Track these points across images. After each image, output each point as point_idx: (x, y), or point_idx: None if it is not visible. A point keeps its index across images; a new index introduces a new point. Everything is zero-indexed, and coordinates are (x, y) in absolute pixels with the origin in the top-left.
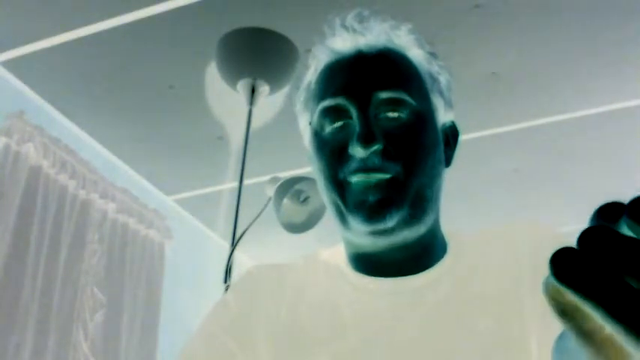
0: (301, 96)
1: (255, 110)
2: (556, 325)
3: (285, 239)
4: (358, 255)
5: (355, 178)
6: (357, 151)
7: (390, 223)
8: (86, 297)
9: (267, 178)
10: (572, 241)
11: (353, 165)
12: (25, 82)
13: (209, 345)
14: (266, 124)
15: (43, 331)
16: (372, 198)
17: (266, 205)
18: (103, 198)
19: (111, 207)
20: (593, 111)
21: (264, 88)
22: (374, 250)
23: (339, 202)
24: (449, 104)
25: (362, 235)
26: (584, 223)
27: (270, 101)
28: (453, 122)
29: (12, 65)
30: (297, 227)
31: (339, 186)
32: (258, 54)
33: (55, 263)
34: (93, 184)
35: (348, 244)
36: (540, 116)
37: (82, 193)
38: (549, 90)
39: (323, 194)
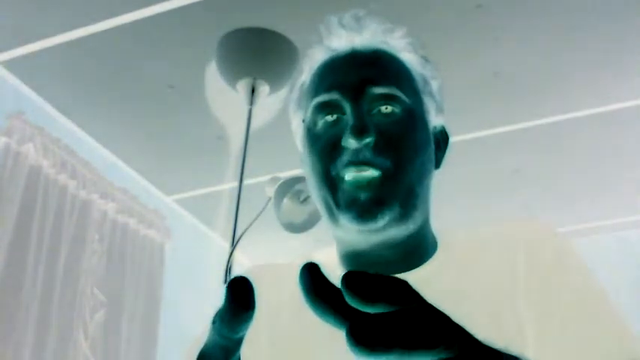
0: (295, 96)
1: (255, 110)
2: (552, 326)
3: (285, 239)
4: (348, 253)
5: (347, 175)
6: (350, 143)
7: (382, 222)
8: (86, 297)
9: (267, 178)
10: (569, 241)
11: (345, 158)
12: (25, 82)
13: None
14: (266, 124)
15: (43, 331)
16: (363, 196)
17: (266, 205)
18: (103, 198)
19: (111, 207)
20: (593, 111)
21: (264, 88)
22: (364, 247)
23: (330, 200)
24: (440, 108)
25: (352, 233)
26: (584, 223)
27: (270, 101)
28: (443, 127)
29: (12, 65)
30: (297, 227)
31: (330, 183)
32: (258, 54)
33: (55, 263)
34: (93, 184)
35: (339, 242)
36: (540, 116)
37: (82, 193)
38: (550, 90)
39: (313, 191)
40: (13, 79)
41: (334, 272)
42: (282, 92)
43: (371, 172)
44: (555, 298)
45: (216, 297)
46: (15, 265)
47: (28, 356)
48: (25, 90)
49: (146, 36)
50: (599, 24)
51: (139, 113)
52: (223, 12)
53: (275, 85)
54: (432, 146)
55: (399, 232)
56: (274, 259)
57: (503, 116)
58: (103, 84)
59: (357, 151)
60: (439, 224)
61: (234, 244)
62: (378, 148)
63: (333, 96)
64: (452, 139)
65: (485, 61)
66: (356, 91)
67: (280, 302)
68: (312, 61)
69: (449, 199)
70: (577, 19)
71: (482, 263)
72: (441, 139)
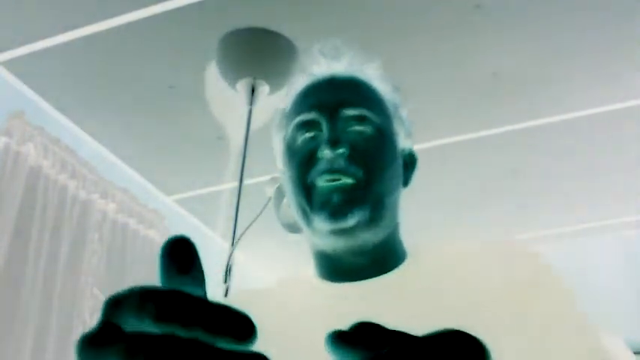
0: (277, 119)
1: (255, 110)
2: (521, 344)
3: (285, 239)
4: (322, 259)
5: (321, 182)
6: (325, 154)
7: (352, 221)
8: (86, 297)
9: (267, 178)
10: (548, 261)
11: (320, 167)
12: (25, 82)
13: None
14: (266, 124)
15: (43, 331)
16: (335, 199)
17: (266, 205)
18: (103, 198)
19: (111, 207)
20: (592, 111)
21: (263, 88)
22: (335, 252)
23: (305, 205)
24: (408, 132)
25: (324, 235)
26: (583, 223)
27: (270, 101)
28: (411, 149)
29: (12, 65)
30: (297, 227)
31: (306, 189)
32: (258, 54)
33: (55, 263)
34: (93, 184)
35: (314, 249)
36: (540, 116)
37: (82, 194)
38: (549, 90)
39: (291, 200)
40: (13, 79)
41: (310, 282)
42: (282, 92)
43: (344, 180)
44: (528, 320)
45: (215, 297)
46: (15, 265)
47: (28, 356)
48: (25, 90)
49: (146, 36)
50: (599, 24)
51: (139, 113)
52: (223, 12)
53: (275, 85)
54: (400, 164)
55: (367, 237)
56: (274, 259)
57: (502, 116)
58: (103, 84)
59: (331, 160)
60: (438, 224)
61: (234, 244)
62: (351, 158)
63: (312, 115)
64: (451, 139)
65: (485, 61)
66: (332, 111)
67: (260, 326)
68: (293, 88)
69: (448, 199)
70: (577, 19)
71: (453, 276)
72: (409, 161)
